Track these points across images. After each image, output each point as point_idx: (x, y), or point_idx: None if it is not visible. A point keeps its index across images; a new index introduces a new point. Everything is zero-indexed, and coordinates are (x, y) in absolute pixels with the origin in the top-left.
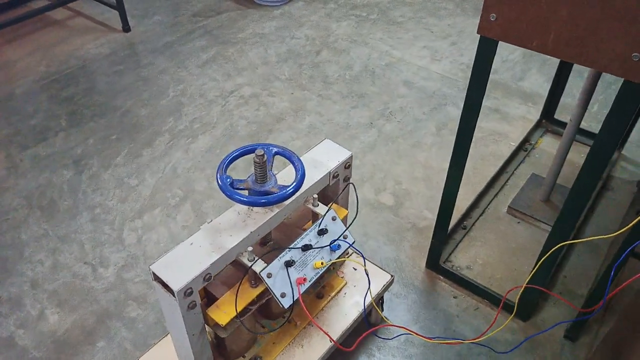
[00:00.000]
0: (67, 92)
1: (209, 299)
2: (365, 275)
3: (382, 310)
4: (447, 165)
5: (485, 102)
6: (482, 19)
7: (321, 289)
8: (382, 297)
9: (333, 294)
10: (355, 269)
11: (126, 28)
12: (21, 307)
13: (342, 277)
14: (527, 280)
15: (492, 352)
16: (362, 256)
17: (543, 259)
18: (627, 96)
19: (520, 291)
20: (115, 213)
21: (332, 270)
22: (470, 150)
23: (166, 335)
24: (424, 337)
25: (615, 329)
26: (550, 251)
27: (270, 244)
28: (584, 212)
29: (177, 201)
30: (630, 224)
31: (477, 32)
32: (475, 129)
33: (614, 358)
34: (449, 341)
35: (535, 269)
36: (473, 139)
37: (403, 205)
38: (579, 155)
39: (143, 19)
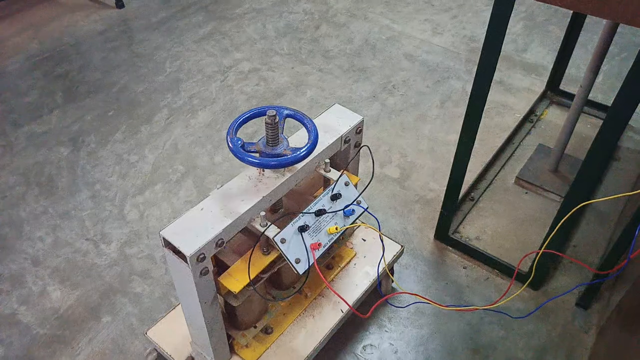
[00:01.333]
0: (61, 69)
1: (220, 268)
2: (375, 246)
3: (393, 281)
4: (453, 137)
5: None
6: None
7: (331, 259)
8: (392, 267)
9: (343, 264)
10: (365, 240)
11: (119, 4)
12: (22, 284)
13: (351, 248)
14: (544, 246)
15: (503, 321)
16: (377, 221)
17: (562, 220)
18: None
19: (537, 257)
20: (116, 189)
21: (342, 240)
22: None
23: (173, 309)
24: (438, 304)
25: (628, 297)
26: (572, 211)
27: (281, 211)
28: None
29: (178, 177)
30: None
31: None
32: None
33: (628, 326)
34: (463, 308)
35: (554, 232)
36: None
37: (409, 177)
38: (585, 125)
39: None
